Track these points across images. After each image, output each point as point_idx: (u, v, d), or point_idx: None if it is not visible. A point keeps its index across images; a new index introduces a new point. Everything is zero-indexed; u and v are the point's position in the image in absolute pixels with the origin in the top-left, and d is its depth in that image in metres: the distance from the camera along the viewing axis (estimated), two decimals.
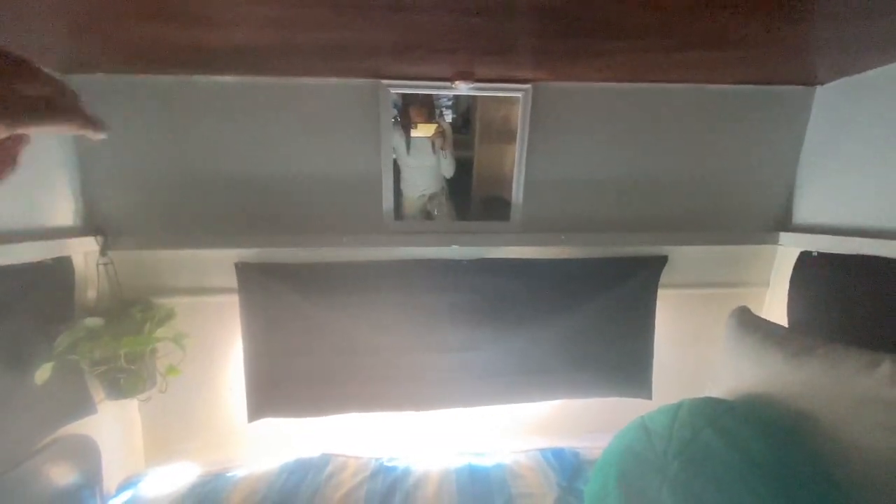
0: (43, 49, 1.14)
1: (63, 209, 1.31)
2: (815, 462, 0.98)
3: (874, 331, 1.20)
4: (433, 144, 1.65)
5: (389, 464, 1.43)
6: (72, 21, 0.96)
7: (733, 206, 1.55)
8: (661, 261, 1.53)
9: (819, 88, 1.45)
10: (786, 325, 1.42)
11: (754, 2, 0.84)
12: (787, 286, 1.47)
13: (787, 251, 1.51)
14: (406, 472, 1.39)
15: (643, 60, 1.20)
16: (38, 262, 1.17)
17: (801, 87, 1.45)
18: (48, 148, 1.27)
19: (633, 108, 1.44)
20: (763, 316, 1.37)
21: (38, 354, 1.15)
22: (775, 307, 1.55)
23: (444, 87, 1.35)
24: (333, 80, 1.34)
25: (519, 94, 1.36)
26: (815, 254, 1.38)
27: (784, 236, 1.51)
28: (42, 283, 1.18)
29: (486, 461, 1.45)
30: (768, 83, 1.43)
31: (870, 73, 1.28)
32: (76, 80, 1.29)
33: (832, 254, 1.33)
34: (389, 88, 1.34)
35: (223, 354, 1.52)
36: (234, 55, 1.15)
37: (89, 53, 1.17)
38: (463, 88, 1.31)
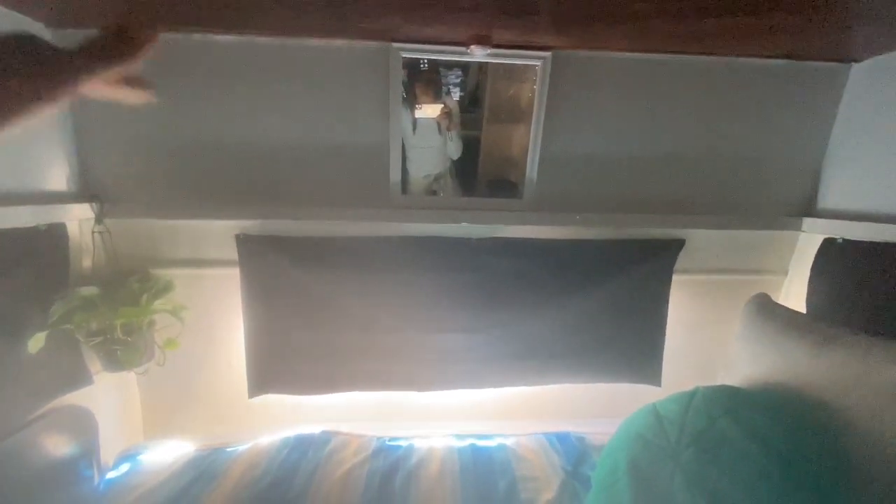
0: (31, 1, 1.07)
1: (57, 174, 1.25)
2: (836, 451, 0.94)
3: None
4: (439, 125, 1.59)
5: (392, 443, 1.41)
6: None
7: (756, 189, 1.48)
8: (678, 244, 1.48)
9: (854, 66, 1.37)
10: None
11: None
12: (807, 274, 1.42)
13: (809, 237, 1.45)
14: (409, 452, 1.36)
15: (672, 27, 1.12)
16: (31, 228, 1.13)
17: (835, 63, 1.37)
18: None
19: (657, 80, 1.36)
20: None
21: (31, 323, 1.11)
22: (792, 296, 1.50)
23: (459, 53, 1.26)
24: (341, 43, 1.27)
25: (538, 63, 1.29)
26: (841, 241, 1.33)
27: (808, 222, 1.45)
28: (35, 249, 1.14)
29: (489, 442, 1.43)
30: (800, 58, 1.35)
31: None
32: (68, 36, 1.21)
33: (859, 241, 1.27)
34: (401, 52, 1.26)
35: (223, 328, 1.48)
36: (236, 10, 1.08)
37: (82, 7, 1.10)
38: (479, 54, 1.23)
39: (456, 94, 2.02)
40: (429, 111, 1.54)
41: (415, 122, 1.56)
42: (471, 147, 1.94)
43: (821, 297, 1.37)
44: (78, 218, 1.27)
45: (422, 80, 1.58)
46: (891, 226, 1.20)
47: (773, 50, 1.31)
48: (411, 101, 1.55)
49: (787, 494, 0.86)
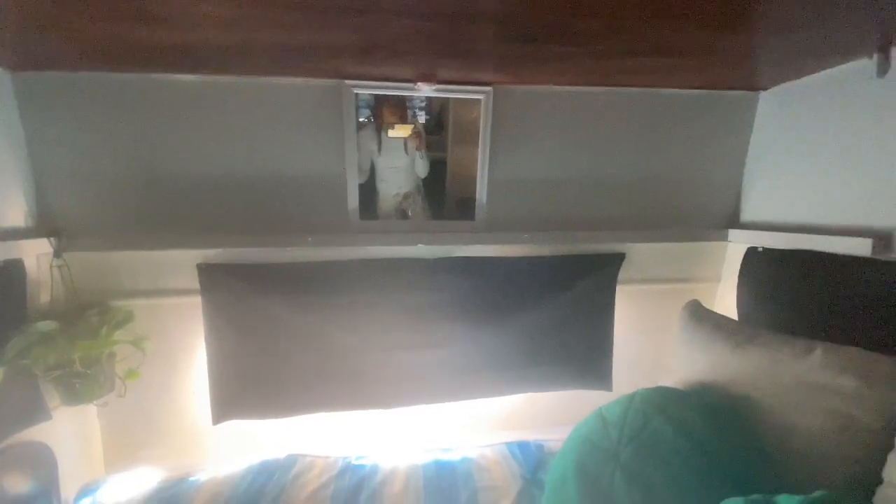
0: None
1: (13, 209, 1.26)
2: (756, 443, 1.04)
3: (813, 320, 1.28)
4: (405, 145, 1.66)
5: (357, 462, 1.43)
6: (24, 18, 0.94)
7: (686, 205, 1.63)
8: (619, 258, 1.60)
9: (762, 93, 1.54)
10: (736, 318, 1.50)
11: (700, 13, 0.90)
12: (736, 280, 1.55)
13: (735, 247, 1.59)
14: (374, 470, 1.39)
15: (597, 65, 1.26)
16: None
17: (745, 91, 1.54)
18: None
19: (590, 110, 1.50)
20: (715, 309, 1.44)
21: None
22: (726, 301, 1.63)
23: (408, 89, 1.37)
24: (296, 80, 1.35)
25: (480, 97, 1.40)
26: (761, 249, 1.47)
27: (733, 233, 1.60)
28: None
29: (453, 456, 1.47)
30: (715, 88, 1.52)
31: (809, 78, 1.36)
32: (26, 77, 1.25)
33: (776, 249, 1.42)
34: (353, 89, 1.35)
35: (185, 357, 1.49)
36: (194, 54, 1.15)
37: (42, 51, 1.14)
38: (425, 90, 1.33)
39: (422, 118, 2.11)
40: (401, 131, 1.61)
41: (380, 142, 1.62)
42: (438, 168, 2.03)
43: (748, 300, 1.51)
44: (35, 253, 1.28)
45: (388, 104, 1.66)
46: (801, 235, 1.34)
47: (690, 82, 1.47)
48: (378, 123, 1.62)
49: (713, 486, 0.93)
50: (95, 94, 1.30)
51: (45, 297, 1.31)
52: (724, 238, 1.61)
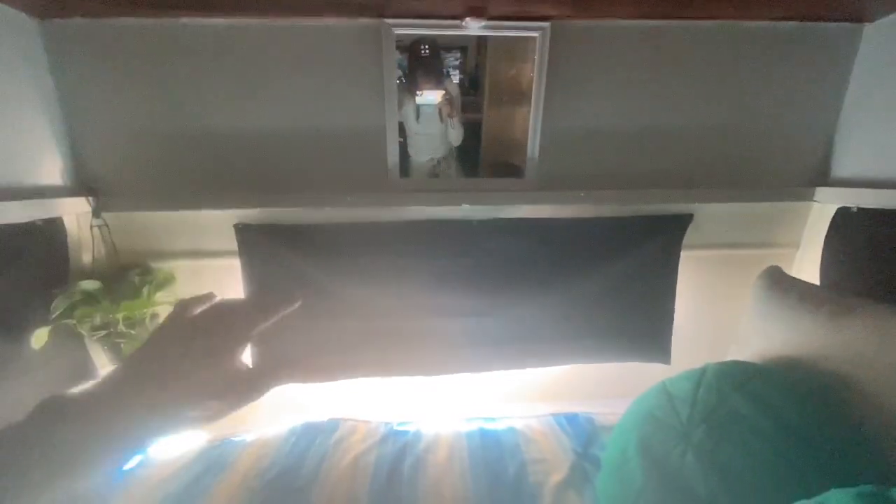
0: None
1: (50, 168, 1.24)
2: (855, 427, 0.92)
3: None
4: (440, 112, 1.56)
5: (400, 428, 1.40)
6: None
7: (766, 160, 1.43)
8: (686, 219, 1.44)
9: (867, 26, 1.31)
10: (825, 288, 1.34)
11: None
12: (820, 246, 1.38)
13: (823, 208, 1.40)
14: (417, 437, 1.36)
15: None
16: (28, 223, 1.12)
17: (847, 24, 1.31)
18: (30, 104, 1.18)
19: (660, 49, 1.31)
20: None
21: (33, 319, 1.11)
22: (805, 269, 1.46)
23: (454, 27, 1.22)
24: (332, 21, 1.23)
25: (536, 34, 1.24)
26: (856, 209, 1.28)
27: (821, 191, 1.40)
28: (33, 244, 1.14)
29: (498, 425, 1.41)
30: (809, 20, 1.29)
31: None
32: (54, 25, 1.19)
33: (875, 209, 1.23)
34: (393, 29, 1.22)
35: None
36: None
37: None
38: (474, 27, 1.19)
39: (456, 77, 1.98)
40: (430, 97, 1.50)
41: (417, 109, 1.53)
42: (472, 131, 1.90)
43: (835, 268, 1.33)
44: (75, 212, 1.26)
45: (423, 66, 1.55)
46: None
47: (782, 12, 1.25)
48: (412, 87, 1.52)
49: (801, 470, 0.83)
50: (124, 42, 1.23)
51: (86, 257, 1.30)
52: (810, 197, 1.42)
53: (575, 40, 1.28)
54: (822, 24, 1.30)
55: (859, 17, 1.29)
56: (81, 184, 1.30)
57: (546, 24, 1.23)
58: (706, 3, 1.17)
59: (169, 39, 1.23)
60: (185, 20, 1.21)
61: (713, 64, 1.34)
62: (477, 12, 1.14)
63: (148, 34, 1.23)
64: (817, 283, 1.37)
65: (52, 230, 1.19)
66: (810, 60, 1.34)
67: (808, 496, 0.73)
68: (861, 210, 1.27)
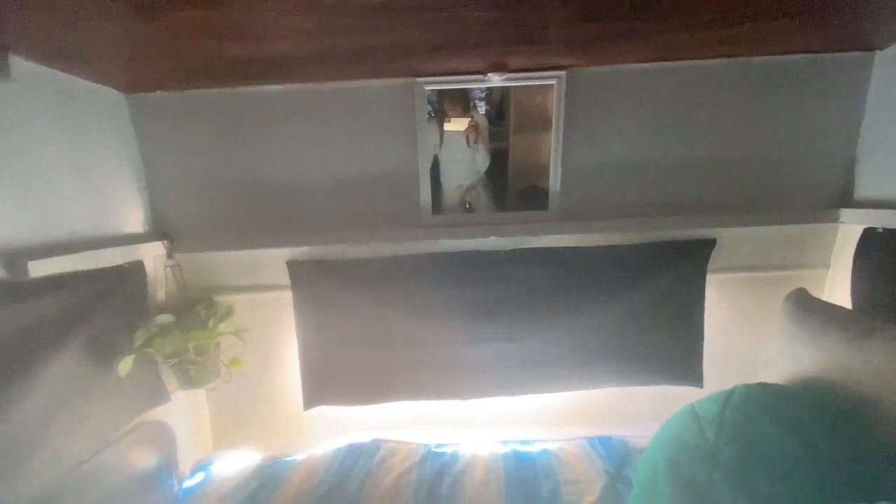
0: (108, 73, 1.25)
1: (134, 217, 1.44)
2: (879, 448, 0.93)
3: None
4: (467, 138, 1.66)
5: (437, 450, 1.47)
6: (134, 47, 1.06)
7: (788, 184, 1.46)
8: (709, 244, 1.48)
9: (878, 53, 1.35)
10: (850, 309, 1.34)
11: None
12: (850, 266, 1.38)
13: (849, 229, 1.41)
14: (454, 458, 1.43)
15: (680, 38, 1.17)
16: (116, 267, 1.30)
17: (858, 52, 1.35)
18: (119, 165, 1.39)
19: (673, 87, 1.40)
20: (825, 299, 1.30)
21: (119, 349, 1.27)
22: (837, 290, 1.46)
23: (478, 81, 1.36)
24: (371, 82, 1.40)
25: (553, 82, 1.36)
26: (881, 230, 1.29)
27: (846, 213, 1.42)
28: (119, 284, 1.31)
29: (532, 448, 1.46)
30: (820, 51, 1.35)
31: None
32: (138, 98, 1.41)
33: None
34: (424, 86, 1.37)
35: (280, 347, 1.62)
36: (279, 65, 1.23)
37: (150, 74, 1.28)
38: (496, 80, 1.32)
39: (482, 108, 2.10)
40: (457, 124, 1.62)
41: (442, 135, 1.64)
42: (500, 158, 2.00)
43: (865, 288, 1.34)
44: (153, 254, 1.45)
45: (449, 97, 1.67)
46: None
47: (792, 46, 1.31)
48: (440, 117, 1.64)
49: (827, 490, 0.85)
50: (197, 109, 1.44)
51: (161, 294, 1.48)
52: (835, 219, 1.43)
53: (590, 84, 1.38)
54: (832, 55, 1.36)
55: (869, 46, 1.34)
56: (158, 230, 1.50)
57: (562, 73, 1.34)
58: (717, 44, 1.24)
59: (234, 105, 1.43)
60: (247, 89, 1.41)
61: (728, 98, 1.40)
62: (498, 68, 1.27)
63: (215, 102, 1.43)
64: (850, 303, 1.37)
65: (135, 271, 1.37)
66: (824, 89, 1.39)
67: None
68: (887, 230, 1.28)
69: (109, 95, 1.37)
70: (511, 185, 2.05)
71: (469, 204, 1.84)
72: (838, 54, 1.36)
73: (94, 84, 1.30)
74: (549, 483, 1.30)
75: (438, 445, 1.49)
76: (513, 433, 1.56)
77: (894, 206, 1.28)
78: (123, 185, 1.41)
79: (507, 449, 1.47)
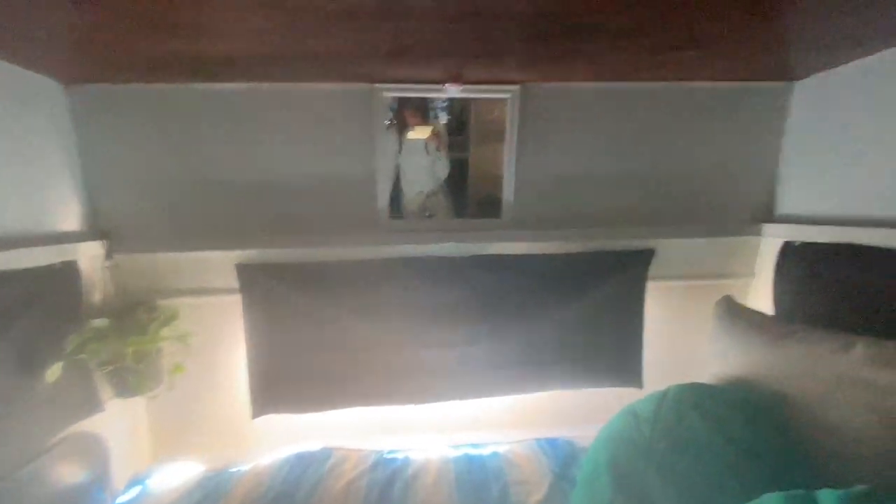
0: (47, 62, 1.18)
1: (69, 214, 1.35)
2: (794, 440, 1.03)
3: (854, 316, 1.24)
4: (426, 146, 1.70)
5: (389, 456, 1.47)
6: (76, 36, 1.01)
7: (718, 200, 1.60)
8: (649, 254, 1.58)
9: (797, 83, 1.50)
10: (772, 314, 1.47)
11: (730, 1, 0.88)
12: (771, 276, 1.52)
13: (770, 242, 1.55)
14: (405, 463, 1.43)
15: (625, 61, 1.25)
16: (47, 267, 1.21)
17: (779, 82, 1.50)
18: (54, 159, 1.31)
19: (619, 106, 1.49)
20: (749, 306, 1.42)
21: (48, 355, 1.19)
22: (761, 297, 1.60)
23: (436, 90, 1.39)
24: (328, 86, 1.39)
25: (508, 95, 1.41)
26: (798, 243, 1.43)
27: (767, 227, 1.56)
28: (50, 286, 1.22)
29: (483, 451, 1.49)
30: (747, 80, 1.48)
31: (846, 66, 1.32)
32: (78, 90, 1.34)
33: (813, 243, 1.38)
34: (383, 92, 1.39)
35: (226, 353, 1.56)
36: (232, 64, 1.20)
37: (93, 65, 1.22)
38: (453, 91, 1.36)
39: (443, 118, 2.15)
40: (420, 132, 1.64)
41: (401, 143, 1.66)
42: (461, 167, 2.05)
43: (784, 296, 1.47)
44: (89, 255, 1.37)
45: (410, 106, 1.69)
46: (840, 228, 1.30)
47: (722, 75, 1.44)
48: (400, 125, 1.66)
49: (749, 483, 0.92)
50: (141, 104, 1.38)
51: (97, 297, 1.40)
52: (758, 233, 1.58)
53: (542, 99, 1.45)
54: (758, 84, 1.50)
55: (790, 77, 1.48)
56: (95, 229, 1.42)
57: (516, 87, 1.40)
58: (653, 67, 1.34)
59: (181, 101, 1.39)
60: (196, 86, 1.37)
61: (666, 118, 1.52)
62: (455, 78, 1.30)
63: (161, 97, 1.38)
64: (772, 309, 1.50)
65: (68, 272, 1.29)
66: (750, 115, 1.53)
67: None
68: (802, 244, 1.42)
69: (47, 85, 1.29)
70: (471, 194, 2.10)
71: (429, 210, 1.87)
72: (763, 83, 1.50)
73: (30, 73, 1.22)
74: (498, 484, 1.33)
75: (390, 451, 1.49)
76: (465, 437, 1.58)
77: (810, 222, 1.43)
78: (59, 180, 1.32)
79: (459, 453, 1.49)
